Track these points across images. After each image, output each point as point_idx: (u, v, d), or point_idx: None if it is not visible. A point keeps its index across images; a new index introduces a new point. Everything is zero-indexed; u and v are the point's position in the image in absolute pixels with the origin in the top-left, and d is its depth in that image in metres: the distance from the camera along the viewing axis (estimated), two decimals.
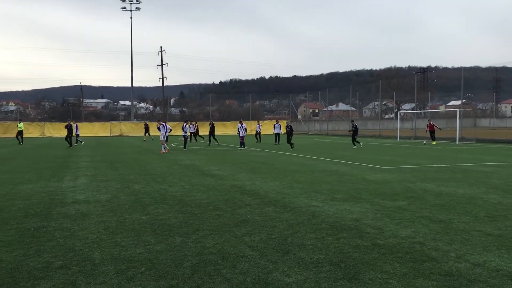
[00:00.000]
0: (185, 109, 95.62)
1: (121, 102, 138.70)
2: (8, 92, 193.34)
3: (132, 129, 57.34)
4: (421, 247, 5.86)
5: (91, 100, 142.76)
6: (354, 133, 28.39)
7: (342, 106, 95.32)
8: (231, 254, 5.58)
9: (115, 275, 4.87)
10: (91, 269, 5.08)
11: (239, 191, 10.59)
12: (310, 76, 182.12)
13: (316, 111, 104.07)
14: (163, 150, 23.67)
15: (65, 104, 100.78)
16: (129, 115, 78.46)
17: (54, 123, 59.08)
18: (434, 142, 32.09)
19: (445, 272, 4.91)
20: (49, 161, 19.09)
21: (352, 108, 67.49)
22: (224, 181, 12.38)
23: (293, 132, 30.67)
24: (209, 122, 34.69)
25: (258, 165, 16.96)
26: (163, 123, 25.06)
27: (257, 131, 36.83)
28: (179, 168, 15.77)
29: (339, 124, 67.36)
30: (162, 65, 75.18)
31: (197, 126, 36.57)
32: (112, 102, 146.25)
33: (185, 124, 26.96)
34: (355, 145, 28.08)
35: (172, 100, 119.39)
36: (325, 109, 75.00)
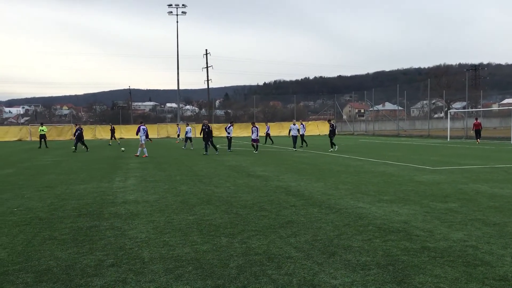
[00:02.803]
0: (229, 111, 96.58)
1: (168, 104, 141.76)
2: (62, 96, 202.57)
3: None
4: (474, 250, 5.64)
5: (139, 103, 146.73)
6: (331, 134, 25.97)
7: (388, 106, 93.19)
8: (276, 255, 5.59)
9: (164, 274, 4.98)
10: (141, 267, 5.22)
11: (284, 192, 10.58)
12: (356, 75, 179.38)
13: (362, 111, 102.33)
14: (138, 154, 23.05)
15: (115, 107, 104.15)
16: (175, 117, 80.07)
17: (104, 126, 61.17)
18: (478, 141, 30.94)
19: (500, 277, 4.71)
20: (100, 163, 19.78)
21: (399, 108, 65.90)
22: (269, 182, 12.40)
23: (337, 132, 29.33)
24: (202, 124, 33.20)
25: (303, 166, 16.88)
26: (143, 126, 24.10)
27: (266, 132, 35.74)
28: (224, 169, 15.94)
29: (386, 124, 65.98)
30: (207, 67, 76.28)
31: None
32: (159, 105, 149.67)
33: (229, 125, 27.17)
34: (332, 147, 25.50)
35: (217, 102, 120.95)
36: (371, 109, 73.62)
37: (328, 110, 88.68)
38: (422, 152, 23.27)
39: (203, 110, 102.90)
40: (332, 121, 27.79)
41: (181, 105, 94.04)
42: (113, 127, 41.63)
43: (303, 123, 33.38)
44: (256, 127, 25.51)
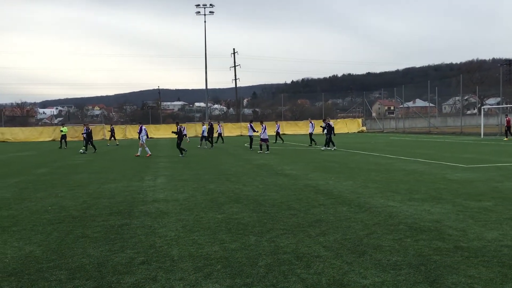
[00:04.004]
0: (257, 109, 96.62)
1: (196, 104, 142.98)
2: (94, 97, 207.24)
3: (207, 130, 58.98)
4: (509, 250, 5.47)
5: (168, 103, 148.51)
6: (328, 133, 25.32)
7: (419, 103, 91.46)
8: (305, 254, 5.55)
9: (193, 272, 5.02)
10: (171, 265, 5.28)
11: (312, 190, 10.51)
12: (385, 72, 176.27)
13: (392, 108, 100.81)
14: (139, 154, 23.28)
15: (145, 107, 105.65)
16: (204, 116, 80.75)
17: (135, 125, 62.19)
18: (506, 138, 30.03)
19: None
20: (130, 162, 20.12)
21: (431, 104, 64.63)
22: (297, 180, 12.35)
23: (334, 130, 26.29)
24: (208, 123, 32.20)
25: (331, 164, 16.73)
26: (143, 127, 24.43)
27: (277, 131, 35.54)
28: (252, 168, 15.96)
29: (416, 121, 64.72)
30: (235, 66, 76.59)
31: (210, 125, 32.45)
32: (188, 104, 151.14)
33: (250, 124, 27.26)
34: (330, 146, 25.09)
35: (245, 101, 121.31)
36: (401, 106, 72.40)
37: (357, 107, 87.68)
38: (455, 150, 22.73)
39: (231, 109, 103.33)
40: (327, 120, 26.72)
41: (209, 104, 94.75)
42: (113, 127, 40.67)
43: (312, 121, 31.62)
44: (263, 126, 24.70)
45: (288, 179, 12.61)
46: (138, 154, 23.46)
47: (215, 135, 34.17)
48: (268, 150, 23.76)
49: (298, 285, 4.56)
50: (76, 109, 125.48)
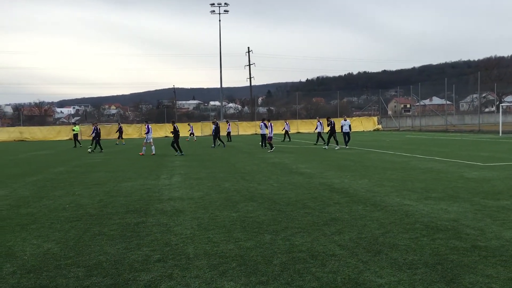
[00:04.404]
0: (272, 108, 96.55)
1: (211, 102, 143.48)
2: (110, 96, 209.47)
3: (221, 129, 59.09)
4: None
5: (183, 102, 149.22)
6: (332, 131, 25.11)
7: (436, 100, 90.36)
8: (320, 253, 5.54)
9: (208, 270, 5.05)
10: (186, 263, 5.32)
11: (327, 189, 10.48)
12: (401, 70, 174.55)
13: (408, 106, 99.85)
14: (143, 152, 23.73)
15: (160, 106, 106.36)
16: (218, 115, 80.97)
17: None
18: None
19: None
20: (146, 161, 20.28)
21: (448, 102, 63.81)
22: (312, 179, 12.32)
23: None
24: (213, 122, 31.43)
25: (347, 162, 16.65)
26: (149, 126, 24.90)
27: (285, 130, 35.42)
28: (267, 167, 15.96)
29: (433, 119, 64.00)
30: (249, 65, 76.65)
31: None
32: (203, 103, 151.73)
33: (262, 123, 27.23)
34: (338, 145, 25.16)
35: (260, 99, 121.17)
36: (418, 104, 71.68)
37: (372, 105, 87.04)
38: (472, 148, 22.43)
39: (245, 107, 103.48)
40: (330, 118, 26.48)
41: (224, 103, 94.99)
42: (121, 126, 40.44)
43: (320, 120, 30.30)
44: (270, 125, 24.65)
45: (303, 178, 12.59)
46: (153, 152, 23.82)
47: (223, 133, 34.16)
48: (271, 149, 23.48)
49: (313, 284, 4.55)
50: (92, 108, 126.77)
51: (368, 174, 12.95)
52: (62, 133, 55.45)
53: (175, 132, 23.33)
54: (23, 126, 61.56)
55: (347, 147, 24.86)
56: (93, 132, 28.21)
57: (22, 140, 53.80)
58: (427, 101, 77.54)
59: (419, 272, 4.78)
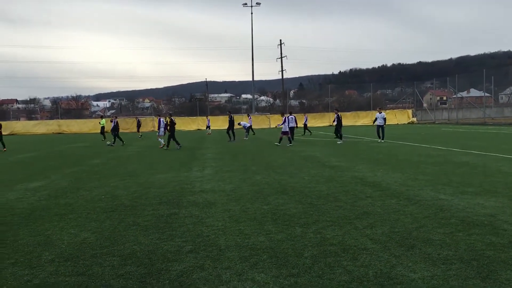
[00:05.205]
0: (304, 101, 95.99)
1: (243, 95, 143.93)
2: (144, 89, 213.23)
3: (253, 122, 59.26)
4: None
5: (216, 95, 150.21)
6: (338, 125, 24.66)
7: (474, 93, 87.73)
8: (351, 246, 5.49)
9: (239, 261, 5.09)
10: (217, 254, 5.37)
11: (359, 182, 10.36)
12: (437, 61, 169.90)
13: (444, 98, 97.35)
14: (161, 145, 23.65)
15: (192, 99, 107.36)
16: (250, 108, 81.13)
17: (183, 117, 63.35)
18: None
19: None
20: (178, 153, 20.55)
21: (486, 94, 61.83)
22: (344, 172, 12.20)
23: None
24: (228, 115, 30.53)
25: (380, 156, 16.40)
26: (161, 119, 24.73)
27: (304, 123, 34.96)
28: (299, 160, 15.90)
29: (471, 112, 62.19)
30: (281, 57, 76.32)
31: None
32: (235, 96, 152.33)
33: (291, 116, 27.05)
34: (340, 139, 24.64)
35: (292, 92, 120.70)
36: (454, 96, 69.77)
37: (407, 98, 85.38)
38: (511, 142, 21.70)
39: (277, 100, 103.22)
40: (337, 112, 25.60)
41: (256, 96, 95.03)
42: (139, 120, 42.01)
43: (339, 113, 27.56)
44: (284, 118, 23.46)
45: (335, 171, 12.48)
46: (161, 146, 23.73)
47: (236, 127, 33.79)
48: (290, 143, 22.99)
49: (344, 277, 4.52)
50: (127, 102, 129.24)
51: (402, 168, 12.72)
52: (98, 126, 56.74)
53: (172, 125, 23.26)
54: (61, 119, 63.38)
55: (382, 141, 23.88)
56: (113, 125, 28.11)
57: (60, 133, 55.47)
58: (464, 93, 75.37)
59: (454, 268, 4.68)
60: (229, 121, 29.16)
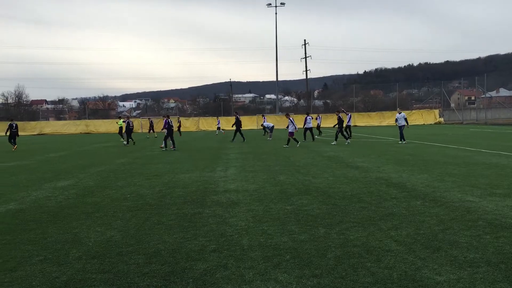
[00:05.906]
0: (328, 101, 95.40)
1: (267, 96, 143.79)
2: (169, 90, 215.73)
3: (277, 122, 59.14)
4: None
5: (240, 95, 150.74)
6: (339, 125, 24.07)
7: (503, 92, 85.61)
8: (375, 248, 5.44)
9: (262, 261, 5.10)
10: (241, 254, 5.40)
11: (384, 183, 10.24)
12: (465, 60, 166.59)
13: (472, 98, 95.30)
14: (170, 147, 23.37)
15: (217, 100, 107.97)
16: (274, 108, 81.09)
17: (207, 117, 63.79)
18: None
19: None
20: (203, 153, 20.71)
21: None
22: (368, 173, 12.08)
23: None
24: (234, 116, 30.66)
25: (405, 156, 16.18)
26: (167, 119, 24.18)
27: (318, 124, 34.70)
28: (322, 160, 15.82)
29: (500, 112, 60.73)
30: (305, 57, 76.03)
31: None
32: (259, 96, 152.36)
33: (309, 117, 26.99)
34: (340, 140, 24.06)
35: (316, 92, 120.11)
36: (483, 96, 68.23)
37: (433, 98, 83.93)
38: None
39: (301, 100, 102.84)
40: (340, 113, 25.02)
41: (279, 96, 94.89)
42: (152, 121, 41.81)
43: (350, 113, 28.38)
44: (290, 119, 23.53)
45: (359, 172, 12.37)
46: (169, 147, 23.62)
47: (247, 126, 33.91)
48: (297, 144, 22.91)
49: (367, 279, 4.49)
50: (152, 102, 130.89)
51: (428, 169, 12.52)
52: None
53: (169, 127, 23.22)
54: (89, 119, 64.62)
55: (401, 142, 23.10)
56: (130, 126, 28.41)
57: (88, 133, 56.58)
58: (493, 93, 73.66)
59: (481, 271, 4.58)
60: (236, 122, 29.30)
